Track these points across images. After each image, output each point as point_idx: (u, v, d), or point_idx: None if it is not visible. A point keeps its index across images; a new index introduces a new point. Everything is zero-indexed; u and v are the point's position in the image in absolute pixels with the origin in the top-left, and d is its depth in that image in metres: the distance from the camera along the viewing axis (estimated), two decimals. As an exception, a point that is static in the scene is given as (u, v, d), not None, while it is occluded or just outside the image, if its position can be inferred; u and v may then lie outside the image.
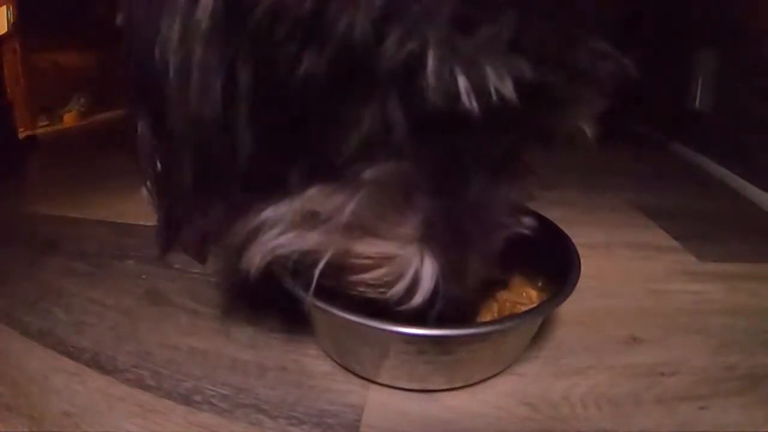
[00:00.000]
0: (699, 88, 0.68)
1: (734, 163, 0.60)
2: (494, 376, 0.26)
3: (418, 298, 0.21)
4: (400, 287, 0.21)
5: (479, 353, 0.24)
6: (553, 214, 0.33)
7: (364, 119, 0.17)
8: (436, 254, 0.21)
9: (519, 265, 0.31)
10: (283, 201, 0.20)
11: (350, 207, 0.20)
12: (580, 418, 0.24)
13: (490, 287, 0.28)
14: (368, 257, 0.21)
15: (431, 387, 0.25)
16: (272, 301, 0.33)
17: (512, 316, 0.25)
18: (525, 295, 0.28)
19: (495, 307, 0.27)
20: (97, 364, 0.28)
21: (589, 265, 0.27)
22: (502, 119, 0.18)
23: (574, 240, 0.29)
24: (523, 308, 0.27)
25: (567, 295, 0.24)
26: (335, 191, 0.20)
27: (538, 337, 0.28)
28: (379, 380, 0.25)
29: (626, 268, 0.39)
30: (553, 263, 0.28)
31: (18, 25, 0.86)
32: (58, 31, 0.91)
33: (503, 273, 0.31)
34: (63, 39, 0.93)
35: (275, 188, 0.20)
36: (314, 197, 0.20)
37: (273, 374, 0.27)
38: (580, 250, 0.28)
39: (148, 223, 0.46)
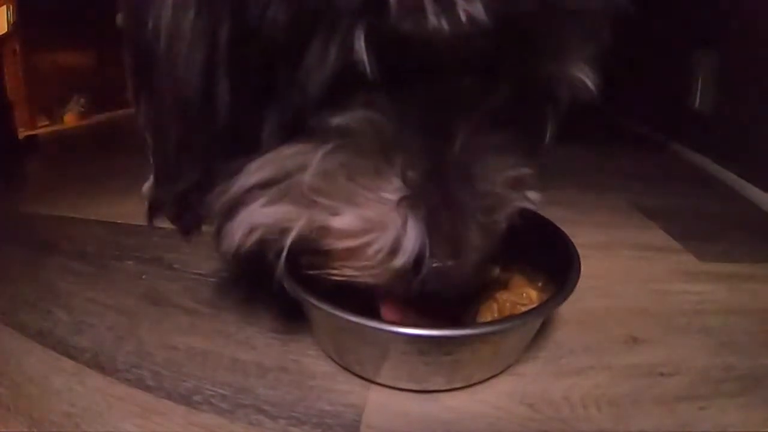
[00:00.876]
0: (699, 89, 0.68)
1: (734, 163, 0.60)
2: (494, 376, 0.26)
3: (400, 260, 0.19)
4: (379, 250, 0.19)
5: (479, 353, 0.24)
6: (553, 215, 0.33)
7: (328, 58, 0.17)
8: (420, 217, 0.19)
9: (519, 265, 0.31)
10: (254, 164, 0.19)
11: (316, 164, 0.19)
12: (580, 418, 0.24)
13: (490, 272, 0.27)
14: (344, 224, 0.20)
15: (431, 387, 0.25)
16: (270, 298, 0.33)
17: (512, 317, 0.25)
18: (525, 295, 0.28)
19: (495, 307, 0.27)
20: (97, 364, 0.28)
21: (589, 265, 0.27)
22: (485, 65, 0.17)
23: (574, 240, 0.29)
24: (523, 309, 0.27)
25: (567, 296, 0.24)
26: (305, 148, 0.19)
27: (538, 337, 0.28)
28: (379, 380, 0.25)
29: (626, 269, 0.39)
30: (553, 263, 0.28)
31: (18, 26, 0.87)
32: (58, 32, 0.91)
33: (503, 272, 0.31)
34: (63, 39, 0.93)
35: (252, 150, 0.20)
36: (284, 156, 0.19)
37: (273, 374, 0.27)
38: (580, 251, 0.28)
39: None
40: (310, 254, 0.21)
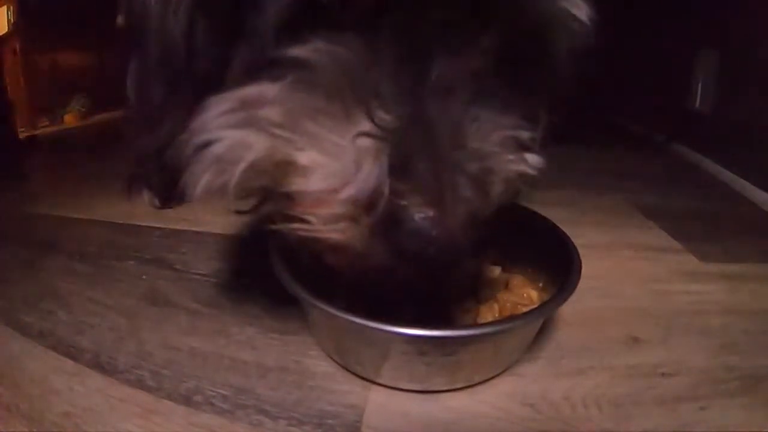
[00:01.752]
0: (699, 89, 0.68)
1: (734, 164, 0.60)
2: (495, 376, 0.26)
3: (350, 191, 0.17)
4: (328, 178, 0.17)
5: (480, 354, 0.24)
6: (554, 215, 0.33)
7: None
8: (384, 153, 0.17)
9: (520, 265, 0.31)
10: (215, 98, 0.19)
11: (274, 96, 0.18)
12: (581, 418, 0.24)
13: (482, 240, 0.23)
14: (306, 160, 0.18)
15: (432, 388, 0.25)
16: (270, 298, 0.33)
17: (513, 317, 0.25)
18: (526, 295, 0.28)
19: (496, 307, 0.27)
20: (98, 364, 0.28)
21: (589, 265, 0.27)
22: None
23: (574, 240, 0.29)
24: (524, 309, 0.27)
25: (567, 297, 0.24)
26: (265, 84, 0.18)
27: (538, 338, 0.28)
28: (379, 381, 0.25)
29: (627, 269, 0.39)
30: (554, 264, 0.28)
31: (18, 26, 0.87)
32: (58, 32, 0.91)
33: (504, 273, 0.31)
34: (63, 39, 0.93)
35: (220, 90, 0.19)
36: (244, 93, 0.18)
37: (273, 375, 0.27)
38: (581, 251, 0.28)
39: (149, 224, 0.47)
40: (274, 199, 0.20)
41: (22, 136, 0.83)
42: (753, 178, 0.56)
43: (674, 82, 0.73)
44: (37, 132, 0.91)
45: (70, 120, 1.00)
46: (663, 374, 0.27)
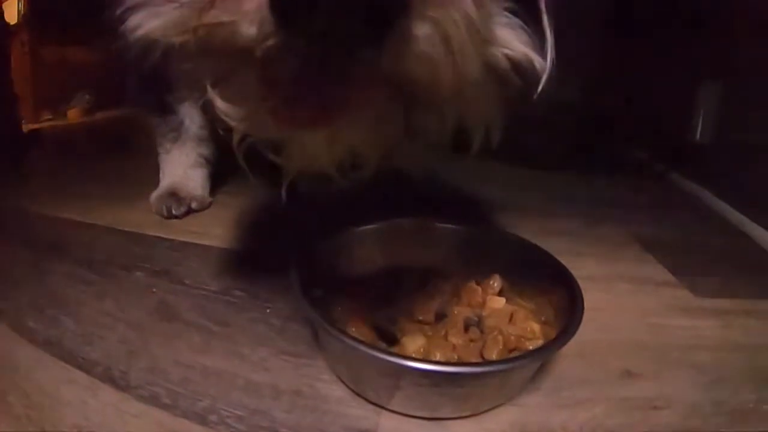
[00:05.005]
0: (700, 121, 0.68)
1: (733, 197, 0.60)
2: (499, 405, 0.27)
3: None
4: None
5: (487, 387, 0.25)
6: (554, 246, 0.34)
7: None
8: None
9: (523, 299, 0.33)
10: None
11: None
12: (578, 448, 0.25)
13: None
14: None
15: (440, 415, 0.26)
16: (281, 320, 0.33)
17: (521, 356, 0.26)
18: (529, 329, 0.30)
19: (500, 339, 0.28)
20: (110, 378, 0.28)
21: (588, 298, 0.28)
22: None
23: (573, 272, 0.31)
24: (528, 342, 0.29)
25: (571, 336, 0.25)
26: None
27: (540, 369, 0.29)
28: (391, 407, 0.26)
29: (624, 302, 0.40)
30: (556, 299, 0.30)
31: (28, 18, 0.86)
32: (67, 27, 0.90)
33: (508, 304, 0.33)
34: (72, 35, 0.92)
35: None
36: None
37: (287, 397, 0.27)
38: (581, 283, 0.29)
39: (156, 234, 0.46)
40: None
41: (25, 129, 0.83)
42: (751, 213, 0.56)
43: (675, 114, 0.74)
44: (39, 126, 0.90)
45: (73, 115, 0.99)
46: (655, 407, 0.28)
